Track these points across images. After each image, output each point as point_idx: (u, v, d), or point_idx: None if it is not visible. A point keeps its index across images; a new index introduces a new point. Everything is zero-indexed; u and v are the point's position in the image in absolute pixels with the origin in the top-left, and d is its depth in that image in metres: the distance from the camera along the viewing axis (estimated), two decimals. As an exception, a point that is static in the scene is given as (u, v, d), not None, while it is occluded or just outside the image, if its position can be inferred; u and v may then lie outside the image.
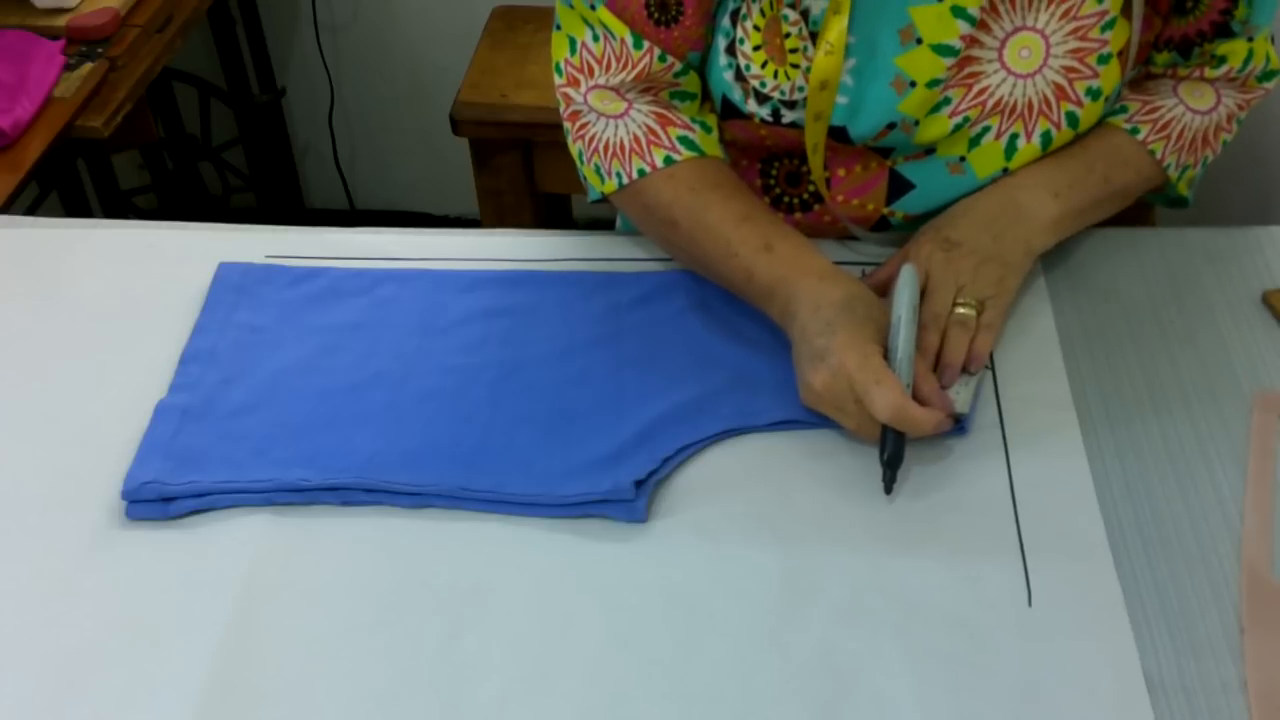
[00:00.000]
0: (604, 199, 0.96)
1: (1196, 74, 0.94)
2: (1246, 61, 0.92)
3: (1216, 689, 0.69)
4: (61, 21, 1.49)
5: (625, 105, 0.92)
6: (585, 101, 0.93)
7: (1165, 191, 0.98)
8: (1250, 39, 0.92)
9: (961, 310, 0.85)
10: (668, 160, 0.90)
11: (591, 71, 0.92)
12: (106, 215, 1.63)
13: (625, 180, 0.92)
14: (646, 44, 0.90)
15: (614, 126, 0.92)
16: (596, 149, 0.93)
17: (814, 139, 0.92)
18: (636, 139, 0.91)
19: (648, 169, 0.91)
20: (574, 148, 0.95)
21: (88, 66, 1.45)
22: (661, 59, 0.90)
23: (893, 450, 0.78)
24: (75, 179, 1.52)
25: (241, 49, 2.03)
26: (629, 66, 0.91)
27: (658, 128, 0.91)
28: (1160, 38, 0.93)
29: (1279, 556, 0.76)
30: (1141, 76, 0.96)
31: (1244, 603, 0.73)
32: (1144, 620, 0.72)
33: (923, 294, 0.86)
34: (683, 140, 0.91)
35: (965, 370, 0.85)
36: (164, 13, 1.58)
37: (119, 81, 1.46)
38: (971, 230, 0.89)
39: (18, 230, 1.04)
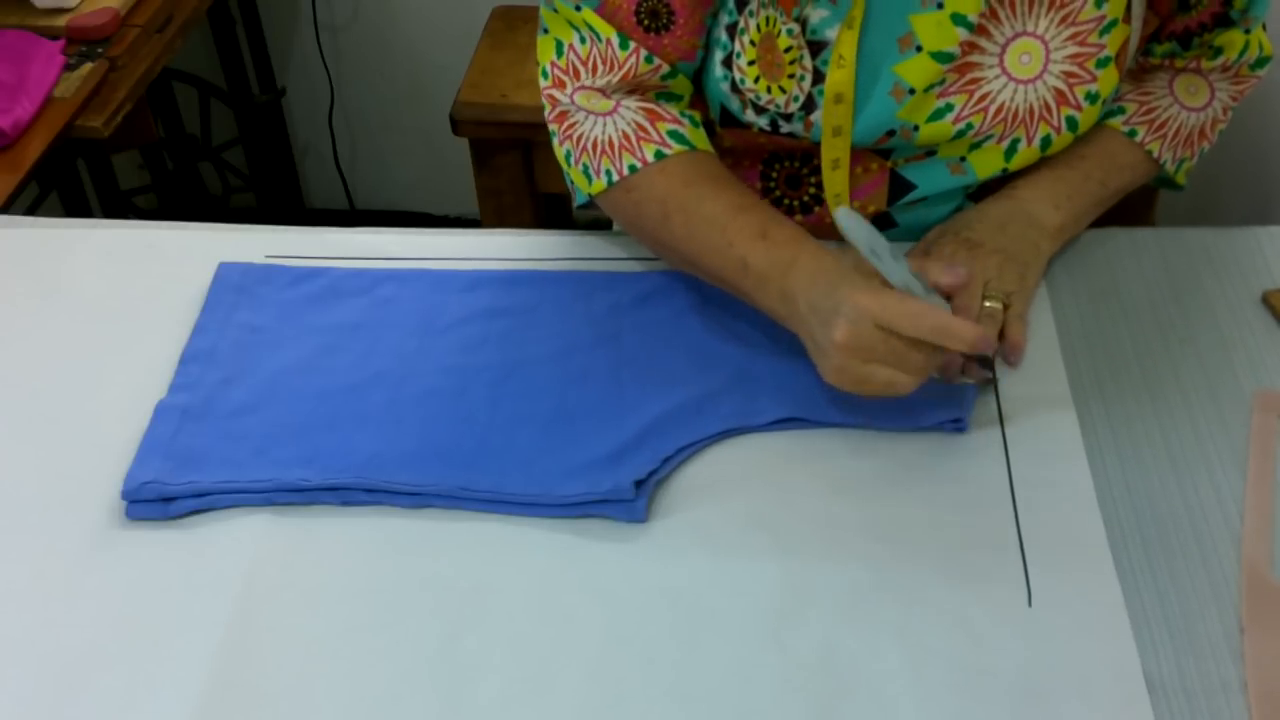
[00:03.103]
0: (590, 202, 0.94)
1: (1193, 65, 0.95)
2: (1242, 52, 0.94)
3: (1216, 689, 0.69)
4: (61, 21, 1.49)
5: (613, 104, 0.91)
6: (572, 101, 0.91)
7: (1161, 177, 0.99)
8: (1248, 30, 0.93)
9: (990, 304, 0.86)
10: (658, 155, 0.89)
11: (578, 74, 0.91)
12: (106, 215, 1.63)
13: (615, 177, 0.90)
14: (632, 44, 0.89)
15: (602, 124, 0.91)
16: (585, 147, 0.91)
17: (834, 154, 0.91)
18: (626, 135, 0.90)
19: (639, 164, 0.89)
20: (560, 150, 0.94)
21: (88, 66, 1.45)
22: (648, 60, 0.90)
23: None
24: (75, 179, 1.52)
25: (241, 49, 2.03)
26: (615, 68, 0.90)
27: (647, 124, 0.90)
28: (1162, 32, 0.94)
29: (1279, 556, 0.76)
30: (1138, 67, 0.97)
31: (1244, 603, 0.73)
32: (1144, 620, 0.72)
33: (949, 296, 0.83)
34: (673, 134, 0.90)
35: (1005, 361, 0.87)
36: (164, 13, 1.58)
37: (119, 81, 1.46)
38: (988, 232, 0.91)
39: (18, 230, 1.04)
